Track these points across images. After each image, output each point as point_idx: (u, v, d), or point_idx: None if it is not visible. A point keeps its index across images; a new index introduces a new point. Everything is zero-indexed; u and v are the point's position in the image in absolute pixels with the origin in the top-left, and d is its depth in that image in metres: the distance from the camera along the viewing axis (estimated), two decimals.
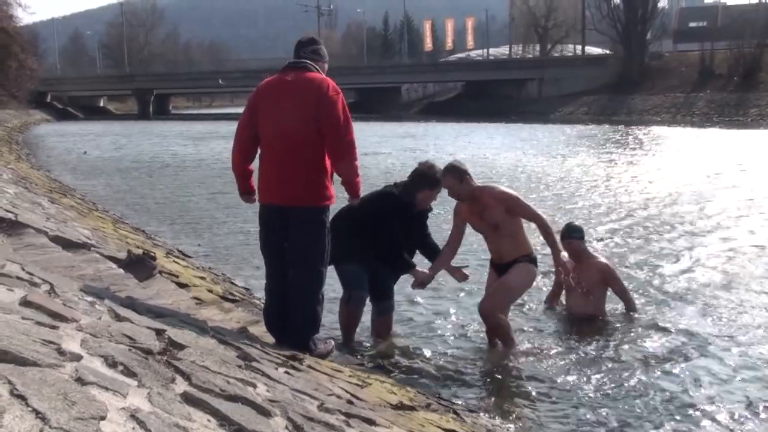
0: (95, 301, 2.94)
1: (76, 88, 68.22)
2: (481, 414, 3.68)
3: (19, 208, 6.22)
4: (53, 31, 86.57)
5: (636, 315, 5.36)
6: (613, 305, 5.53)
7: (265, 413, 2.19)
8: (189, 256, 7.32)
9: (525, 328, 5.17)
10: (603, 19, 53.36)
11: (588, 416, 3.75)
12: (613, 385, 4.12)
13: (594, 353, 4.64)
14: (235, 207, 10.64)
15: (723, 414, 3.74)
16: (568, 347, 4.76)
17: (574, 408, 3.85)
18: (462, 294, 5.87)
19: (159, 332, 2.65)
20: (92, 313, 2.68)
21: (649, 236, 8.63)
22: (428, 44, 75.04)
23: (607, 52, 56.76)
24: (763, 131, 29.19)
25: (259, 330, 3.95)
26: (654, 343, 4.79)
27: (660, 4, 54.13)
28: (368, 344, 4.84)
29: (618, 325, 5.20)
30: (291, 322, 3.71)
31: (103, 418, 1.63)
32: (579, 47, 61.58)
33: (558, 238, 5.56)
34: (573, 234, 5.48)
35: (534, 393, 4.05)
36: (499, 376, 4.28)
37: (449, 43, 75.96)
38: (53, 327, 2.22)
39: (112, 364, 2.06)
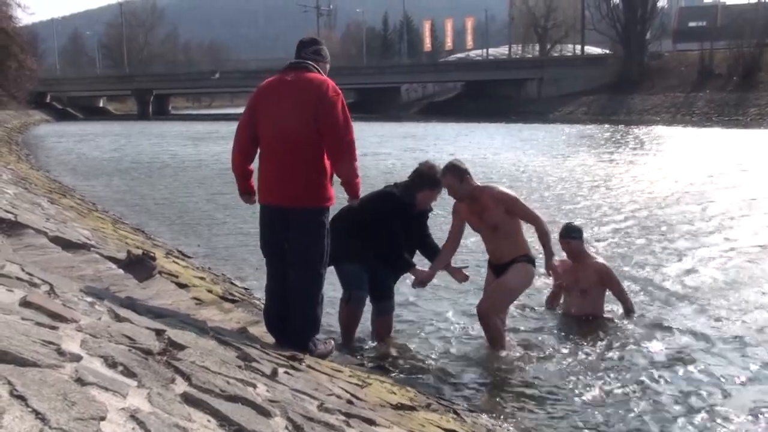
0: (95, 302, 2.94)
1: (75, 88, 68.23)
2: (482, 414, 3.68)
3: (19, 208, 6.22)
4: (53, 32, 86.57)
5: (634, 315, 5.35)
6: (613, 305, 5.52)
7: (265, 413, 2.19)
8: (189, 257, 7.33)
9: (525, 329, 5.17)
10: (602, 19, 53.40)
11: (588, 416, 3.75)
12: (612, 385, 4.12)
13: (593, 354, 4.63)
14: (234, 207, 10.64)
15: (722, 414, 3.74)
16: (567, 348, 4.76)
17: (574, 408, 3.85)
18: (462, 294, 5.86)
19: (159, 332, 2.65)
20: (92, 314, 2.68)
21: (650, 236, 8.62)
22: (428, 44, 75.07)
23: (607, 51, 56.80)
24: (763, 131, 29.20)
25: (259, 330, 3.95)
26: (653, 344, 4.79)
27: (659, 4, 54.24)
28: (368, 344, 4.84)
29: (617, 325, 5.20)
30: (291, 323, 3.71)
31: (103, 419, 1.63)
32: (578, 47, 61.61)
33: (557, 238, 5.59)
34: (572, 234, 5.47)
35: (534, 393, 4.05)
36: (500, 377, 4.28)
37: (449, 43, 75.99)
38: (53, 327, 2.22)
39: (112, 364, 2.06)
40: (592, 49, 60.19)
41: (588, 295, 5.35)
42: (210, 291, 5.07)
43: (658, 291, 6.11)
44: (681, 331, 5.04)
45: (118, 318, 2.75)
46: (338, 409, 2.61)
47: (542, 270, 4.89)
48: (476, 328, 5.01)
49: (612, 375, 4.27)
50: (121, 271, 4.58)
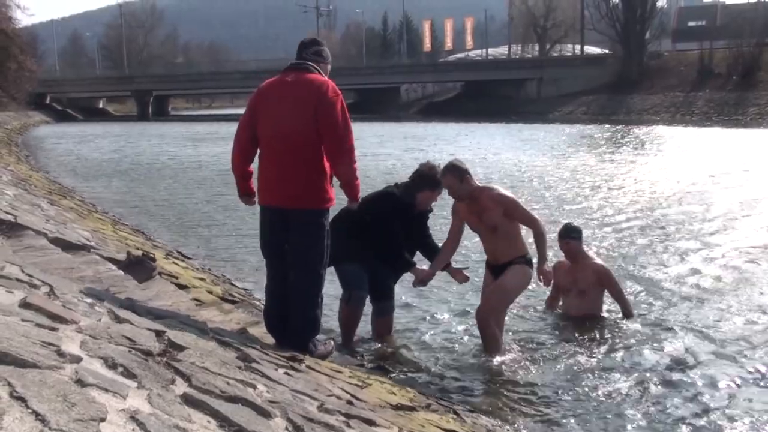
0: (95, 303, 2.94)
1: (75, 89, 68.24)
2: (481, 414, 3.68)
3: (19, 209, 6.22)
4: (52, 33, 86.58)
5: (633, 316, 5.33)
6: (612, 306, 5.52)
7: (265, 414, 2.19)
8: (189, 258, 7.33)
9: (524, 330, 5.17)
10: (602, 19, 53.41)
11: (587, 417, 3.75)
12: (611, 386, 4.12)
13: (592, 355, 4.63)
14: (234, 208, 10.64)
15: (722, 415, 3.74)
16: (566, 349, 4.75)
17: (574, 408, 3.86)
18: (461, 295, 5.86)
19: (159, 333, 2.65)
20: (92, 315, 2.68)
21: (651, 236, 8.62)
22: (427, 44, 75.08)
23: (606, 51, 56.81)
24: (763, 130, 29.20)
25: (259, 331, 3.96)
26: (652, 344, 4.79)
27: (659, 4, 54.26)
28: (368, 345, 4.84)
29: (615, 326, 5.19)
30: (291, 324, 3.71)
31: (102, 420, 1.63)
32: (578, 47, 61.63)
33: (557, 238, 5.59)
34: (571, 234, 5.46)
35: (534, 394, 4.05)
36: (500, 377, 4.28)
37: (448, 43, 76.00)
38: (53, 329, 2.22)
39: (112, 365, 2.06)
40: (592, 49, 60.20)
41: (586, 296, 5.35)
42: (210, 292, 5.07)
43: (658, 291, 6.11)
44: (681, 331, 5.04)
45: (118, 319, 2.75)
46: (338, 410, 2.61)
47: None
48: (476, 329, 5.01)
49: (611, 376, 4.27)
50: (121, 272, 4.58)
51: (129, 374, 2.04)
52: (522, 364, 4.49)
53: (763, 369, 4.33)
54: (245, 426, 2.00)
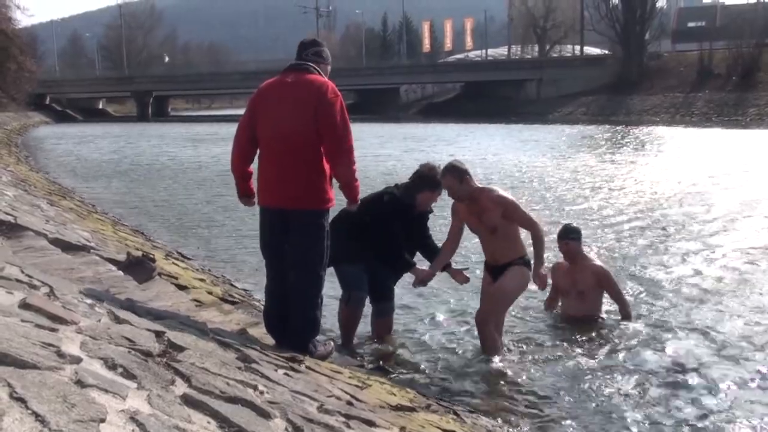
0: (95, 304, 2.94)
1: (74, 90, 68.21)
2: (481, 415, 3.68)
3: (19, 210, 6.22)
4: (52, 33, 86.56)
5: (632, 317, 5.33)
6: (611, 306, 5.51)
7: (265, 415, 2.19)
8: (188, 258, 7.33)
9: (524, 331, 5.17)
10: (601, 20, 53.40)
11: (586, 417, 3.76)
12: (610, 386, 4.12)
13: (591, 356, 4.63)
14: (234, 209, 10.64)
15: (721, 416, 3.75)
16: (565, 350, 4.76)
17: (573, 409, 3.86)
18: (461, 295, 5.86)
19: (158, 334, 2.65)
20: (92, 316, 2.68)
21: (651, 237, 8.62)
22: (427, 45, 75.09)
23: (606, 52, 56.81)
24: (762, 131, 29.21)
25: (259, 332, 3.95)
26: (652, 345, 4.79)
27: (658, 4, 54.26)
28: (368, 345, 4.84)
29: (614, 327, 5.18)
30: (291, 325, 3.71)
31: (102, 421, 1.63)
32: (577, 48, 61.63)
33: (556, 238, 5.59)
34: (570, 235, 5.44)
35: (533, 394, 4.05)
36: (499, 378, 4.28)
37: (448, 44, 76.03)
38: (53, 329, 2.22)
39: (112, 366, 2.06)
40: (591, 50, 60.20)
41: (585, 298, 5.33)
42: (210, 293, 5.07)
43: (658, 292, 6.11)
44: (681, 332, 5.04)
45: (118, 320, 2.75)
46: (338, 411, 2.61)
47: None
48: (476, 330, 5.01)
49: (610, 377, 4.27)
50: (120, 272, 4.58)
51: (129, 375, 2.04)
52: (522, 364, 4.49)
53: (764, 370, 4.33)
54: (245, 427, 2.00)
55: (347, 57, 78.88)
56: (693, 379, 4.21)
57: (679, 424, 3.66)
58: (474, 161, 18.03)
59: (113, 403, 1.77)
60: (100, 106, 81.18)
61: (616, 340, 4.90)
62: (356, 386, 3.31)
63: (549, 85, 52.84)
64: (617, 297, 5.40)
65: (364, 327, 4.95)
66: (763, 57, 40.90)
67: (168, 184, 15.82)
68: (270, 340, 3.78)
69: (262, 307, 4.19)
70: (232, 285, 6.17)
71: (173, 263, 6.16)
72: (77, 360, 1.98)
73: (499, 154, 21.32)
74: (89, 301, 2.98)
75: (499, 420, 3.66)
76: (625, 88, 46.74)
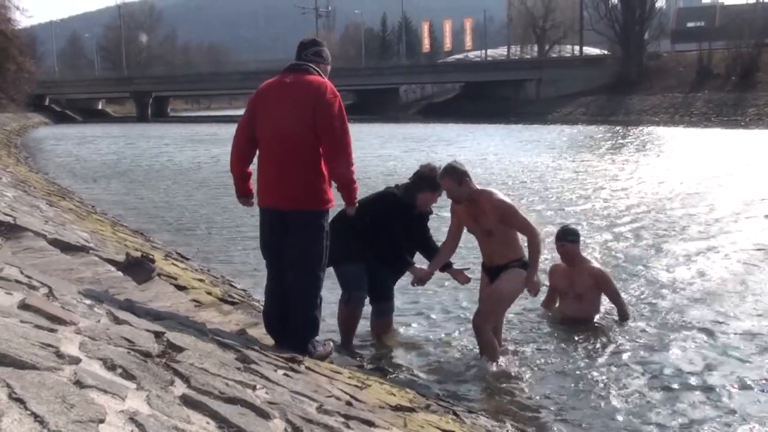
0: (94, 304, 2.94)
1: (74, 90, 68.17)
2: (481, 415, 3.68)
3: (18, 211, 6.22)
4: (51, 34, 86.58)
5: (630, 318, 5.32)
6: (610, 307, 5.51)
7: (264, 415, 2.19)
8: (188, 259, 7.32)
9: (522, 332, 5.17)
10: (601, 20, 53.43)
11: (585, 417, 3.76)
12: (608, 386, 4.13)
13: (589, 356, 4.64)
14: (233, 209, 10.64)
15: (720, 416, 3.75)
16: (564, 350, 4.76)
17: (572, 409, 3.86)
18: (461, 296, 5.86)
19: (158, 335, 2.65)
20: (91, 316, 2.68)
21: (652, 238, 8.61)
22: (426, 45, 75.08)
23: (605, 52, 56.84)
24: (762, 131, 29.23)
25: (259, 332, 3.95)
26: (651, 346, 4.80)
27: (658, 4, 54.31)
28: (367, 346, 4.84)
29: (613, 328, 5.19)
30: (291, 325, 3.71)
31: (102, 421, 1.63)
32: (577, 48, 61.65)
33: (554, 240, 5.57)
34: (568, 237, 5.42)
35: (532, 394, 4.06)
36: (499, 378, 4.28)
37: (447, 44, 76.03)
38: (52, 330, 2.22)
39: (111, 366, 2.06)
40: (591, 50, 60.22)
41: (583, 299, 5.32)
42: (209, 293, 5.07)
43: (658, 293, 6.11)
44: (680, 333, 5.04)
45: (117, 320, 2.75)
46: (337, 411, 2.61)
47: (541, 272, 4.82)
48: None
49: (608, 377, 4.27)
50: (120, 273, 4.58)
51: (128, 375, 2.04)
52: (521, 365, 4.49)
53: (765, 372, 4.33)
54: (244, 427, 2.00)
55: (346, 57, 78.89)
56: (692, 380, 4.21)
57: (677, 424, 3.66)
58: (474, 161, 18.05)
59: (112, 404, 1.77)
60: (100, 107, 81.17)
61: (614, 341, 4.90)
62: (356, 386, 3.31)
63: (548, 86, 52.86)
64: (615, 299, 5.39)
65: (364, 327, 4.95)
66: (763, 57, 40.93)
67: (167, 184, 15.81)
68: (269, 341, 3.78)
69: (262, 308, 4.19)
70: (231, 285, 6.16)
71: (172, 264, 6.16)
72: (76, 360, 1.98)
73: (499, 155, 21.32)
74: (88, 301, 2.98)
75: (499, 420, 3.65)
76: (624, 88, 46.77)
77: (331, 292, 4.75)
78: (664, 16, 57.52)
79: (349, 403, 2.86)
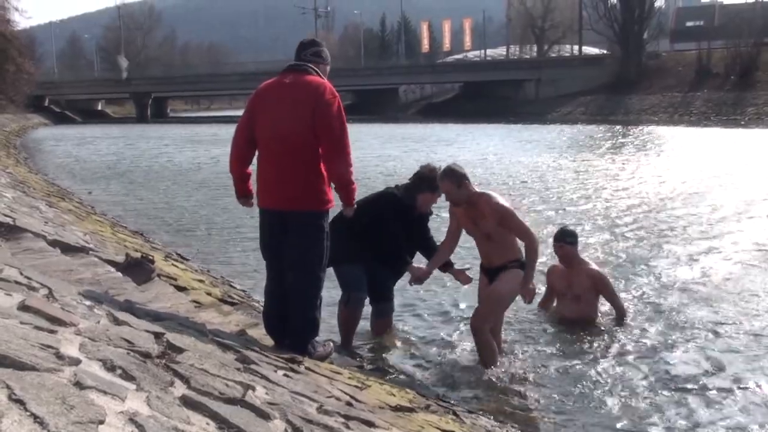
0: (94, 305, 2.94)
1: (73, 91, 68.12)
2: (481, 415, 3.68)
3: (17, 212, 6.22)
4: (51, 35, 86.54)
5: (626, 318, 5.31)
6: (608, 308, 5.50)
7: (264, 416, 2.19)
8: (187, 259, 7.32)
9: (521, 332, 5.17)
10: (600, 20, 53.43)
11: (584, 416, 3.76)
12: (607, 385, 4.13)
13: (587, 356, 4.64)
14: (233, 210, 10.64)
15: (719, 417, 3.75)
16: (562, 350, 4.76)
17: (572, 409, 3.86)
18: (461, 296, 5.86)
19: (157, 336, 2.65)
20: (91, 317, 2.68)
21: (653, 238, 8.60)
22: (425, 45, 75.07)
23: (604, 52, 56.84)
24: (761, 130, 29.23)
25: (258, 333, 3.95)
26: (649, 346, 4.79)
27: (657, 4, 54.37)
28: (367, 346, 4.84)
29: (610, 328, 5.18)
30: (291, 325, 3.71)
31: (101, 422, 1.63)
32: (576, 47, 61.66)
33: (552, 242, 5.55)
34: (566, 238, 5.40)
35: (532, 394, 4.06)
36: (498, 378, 4.28)
37: (446, 44, 76.02)
38: (52, 331, 2.22)
39: (111, 368, 2.06)
40: (590, 50, 60.24)
41: (581, 301, 5.30)
42: (209, 294, 5.07)
43: (658, 293, 6.11)
44: (680, 333, 5.04)
45: (117, 321, 2.75)
46: (337, 411, 2.61)
47: (538, 273, 4.81)
48: None
49: (607, 377, 4.28)
50: (119, 274, 4.58)
51: (128, 376, 2.04)
52: (520, 365, 4.49)
53: (764, 374, 4.33)
54: (244, 428, 2.00)
55: (346, 57, 78.89)
56: (692, 381, 4.21)
57: (677, 425, 3.66)
58: (474, 161, 18.07)
59: (112, 405, 1.77)
60: (99, 108, 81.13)
61: (613, 342, 4.89)
62: (356, 387, 3.31)
63: (547, 85, 52.88)
64: (612, 300, 5.37)
65: (364, 327, 4.95)
66: (762, 56, 40.95)
67: (167, 185, 15.81)
68: (269, 341, 3.78)
69: (262, 308, 4.19)
70: (231, 286, 6.16)
71: (172, 264, 6.16)
72: (76, 362, 1.98)
73: (499, 155, 21.32)
74: (88, 302, 2.98)
75: (498, 420, 3.65)
76: (623, 87, 46.78)
77: (330, 292, 4.74)
78: (663, 16, 57.53)
79: (349, 404, 2.86)
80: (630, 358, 4.59)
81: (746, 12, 46.73)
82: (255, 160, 3.83)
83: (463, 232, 4.70)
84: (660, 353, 4.64)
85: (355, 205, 3.88)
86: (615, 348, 4.77)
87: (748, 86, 39.62)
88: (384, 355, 4.69)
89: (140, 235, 8.71)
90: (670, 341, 4.86)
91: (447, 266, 4.84)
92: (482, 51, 68.67)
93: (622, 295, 5.88)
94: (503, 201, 4.45)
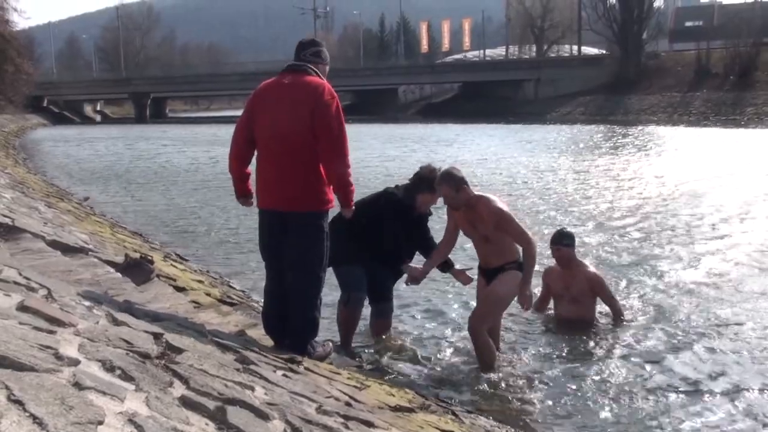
0: (93, 306, 2.94)
1: (72, 92, 68.09)
2: (480, 415, 3.69)
3: (16, 212, 6.22)
4: (49, 35, 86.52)
5: (623, 319, 5.31)
6: (606, 309, 5.49)
7: (264, 416, 2.19)
8: (186, 260, 7.32)
9: (521, 332, 5.17)
10: (599, 20, 53.49)
11: (583, 416, 3.76)
12: (606, 385, 4.14)
13: (586, 357, 4.64)
14: (232, 210, 10.66)
15: (718, 417, 3.75)
16: (560, 351, 4.76)
17: (571, 409, 3.86)
18: (460, 296, 5.86)
19: (157, 336, 2.65)
20: (90, 318, 2.68)
21: (654, 238, 8.59)
22: (425, 46, 75.09)
23: (604, 52, 56.88)
24: (761, 130, 29.25)
25: (258, 333, 3.95)
26: (649, 347, 4.79)
27: (656, 4, 54.56)
28: (367, 346, 4.84)
29: (609, 329, 5.18)
30: (290, 325, 3.71)
31: (100, 423, 1.63)
32: (575, 48, 61.71)
33: (549, 244, 5.54)
34: (563, 241, 5.38)
35: (531, 394, 4.06)
36: (497, 378, 4.29)
37: (446, 45, 76.03)
38: (51, 332, 2.22)
39: (110, 368, 2.06)
40: (589, 50, 60.27)
41: (579, 303, 5.29)
42: (208, 294, 5.07)
43: (659, 293, 6.11)
44: (681, 334, 5.04)
45: (116, 322, 2.75)
46: (337, 412, 2.61)
47: (535, 273, 4.79)
48: None
49: (605, 377, 4.28)
50: (119, 274, 4.58)
51: (127, 377, 2.04)
52: (518, 366, 4.49)
53: (762, 376, 4.33)
54: (243, 428, 2.00)
55: (345, 58, 78.91)
56: (691, 382, 4.21)
57: (676, 425, 3.66)
58: (474, 162, 18.08)
59: (111, 405, 1.77)
60: (98, 108, 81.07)
61: (610, 343, 4.89)
62: (355, 387, 3.31)
63: (547, 85, 52.92)
64: (610, 302, 5.36)
65: (364, 327, 4.95)
66: (761, 56, 41.01)
67: (166, 185, 15.80)
68: (268, 342, 3.78)
69: (261, 308, 4.19)
70: (230, 286, 6.16)
71: (171, 265, 6.16)
72: (75, 362, 1.98)
73: (499, 155, 21.31)
74: (87, 303, 2.97)
75: (497, 420, 3.66)
76: (622, 87, 46.82)
77: (330, 292, 4.74)
78: (663, 16, 57.63)
79: (348, 404, 2.86)
80: (629, 359, 4.58)
81: (745, 12, 46.78)
82: (254, 160, 3.83)
83: (461, 232, 4.69)
84: (660, 354, 4.64)
85: (354, 207, 3.88)
86: (613, 349, 4.77)
87: (747, 86, 39.67)
88: (383, 355, 4.69)
89: (139, 235, 8.71)
90: (670, 342, 4.85)
91: (447, 266, 4.84)
92: (481, 51, 68.67)
93: (623, 295, 5.89)
94: (501, 204, 4.43)
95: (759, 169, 15.47)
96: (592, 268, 5.54)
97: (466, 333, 5.02)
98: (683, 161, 18.05)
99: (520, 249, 4.40)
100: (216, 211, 11.47)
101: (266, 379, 2.71)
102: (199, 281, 5.67)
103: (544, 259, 5.87)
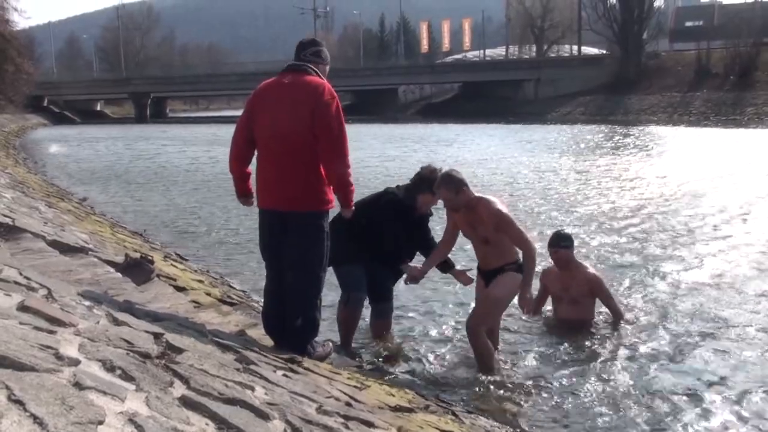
0: (93, 306, 2.94)
1: (72, 92, 68.09)
2: (480, 415, 3.69)
3: (17, 212, 6.22)
4: (49, 35, 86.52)
5: (624, 320, 5.30)
6: (605, 309, 5.49)
7: (264, 416, 2.19)
8: (186, 260, 7.32)
9: (520, 332, 5.17)
10: (599, 20, 53.49)
11: (583, 416, 3.76)
12: (606, 385, 4.13)
13: (586, 358, 4.63)
14: (232, 210, 10.67)
15: (718, 418, 3.75)
16: (560, 351, 4.75)
17: (571, 410, 3.86)
18: (460, 296, 5.86)
19: (157, 336, 2.65)
20: (90, 318, 2.68)
21: (655, 238, 8.59)
22: (425, 46, 75.10)
23: (604, 52, 56.89)
24: (761, 130, 29.25)
25: (258, 333, 3.95)
26: (648, 347, 4.79)
27: (656, 4, 54.54)
28: (367, 346, 4.84)
29: (608, 329, 5.18)
30: (290, 325, 3.71)
31: (101, 423, 1.63)
32: (575, 47, 61.70)
33: (547, 246, 5.53)
34: (561, 243, 5.36)
35: (531, 394, 4.06)
36: (497, 379, 4.28)
37: (446, 45, 76.04)
38: (51, 332, 2.22)
39: (110, 368, 2.06)
40: (589, 50, 60.28)
41: (579, 304, 5.27)
42: (208, 294, 5.07)
43: (660, 293, 6.11)
44: (679, 335, 5.03)
45: (116, 322, 2.75)
46: (337, 412, 2.61)
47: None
48: None
49: (605, 377, 4.27)
50: (119, 274, 4.58)
51: (127, 377, 2.04)
52: (517, 366, 4.49)
53: (761, 376, 4.33)
54: (243, 428, 2.00)
55: (345, 58, 78.91)
56: (690, 384, 4.21)
57: (676, 426, 3.66)
58: (474, 162, 18.08)
59: (112, 405, 1.77)
60: (98, 108, 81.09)
61: (609, 344, 4.88)
62: (355, 387, 3.31)
63: (547, 85, 52.92)
64: (608, 303, 5.34)
65: (364, 328, 4.95)
66: (761, 56, 41.01)
67: (166, 185, 15.81)
68: (269, 342, 3.78)
69: (261, 308, 4.19)
70: (230, 286, 6.16)
71: (172, 265, 6.16)
72: (76, 362, 1.98)
73: (499, 155, 21.31)
74: (87, 303, 2.97)
75: (497, 420, 3.66)
76: (622, 87, 46.82)
77: (330, 292, 4.74)
78: (663, 16, 57.61)
79: (348, 404, 2.86)
80: (628, 359, 4.58)
81: (745, 12, 46.79)
82: (255, 160, 3.83)
83: (461, 233, 4.69)
84: (660, 355, 4.64)
85: (354, 207, 3.88)
86: (612, 350, 4.77)
87: (747, 86, 39.68)
88: (383, 355, 4.68)
89: (139, 235, 8.71)
90: (670, 343, 4.85)
91: (448, 267, 4.84)
92: (481, 51, 68.67)
93: (624, 296, 5.89)
94: (502, 207, 4.41)
95: (760, 169, 15.47)
96: (591, 269, 5.52)
97: (465, 334, 5.03)
98: (684, 161, 18.04)
99: (520, 251, 4.39)
100: (216, 211, 11.47)
101: (266, 379, 2.71)
102: (200, 281, 5.67)
103: (545, 260, 5.86)
